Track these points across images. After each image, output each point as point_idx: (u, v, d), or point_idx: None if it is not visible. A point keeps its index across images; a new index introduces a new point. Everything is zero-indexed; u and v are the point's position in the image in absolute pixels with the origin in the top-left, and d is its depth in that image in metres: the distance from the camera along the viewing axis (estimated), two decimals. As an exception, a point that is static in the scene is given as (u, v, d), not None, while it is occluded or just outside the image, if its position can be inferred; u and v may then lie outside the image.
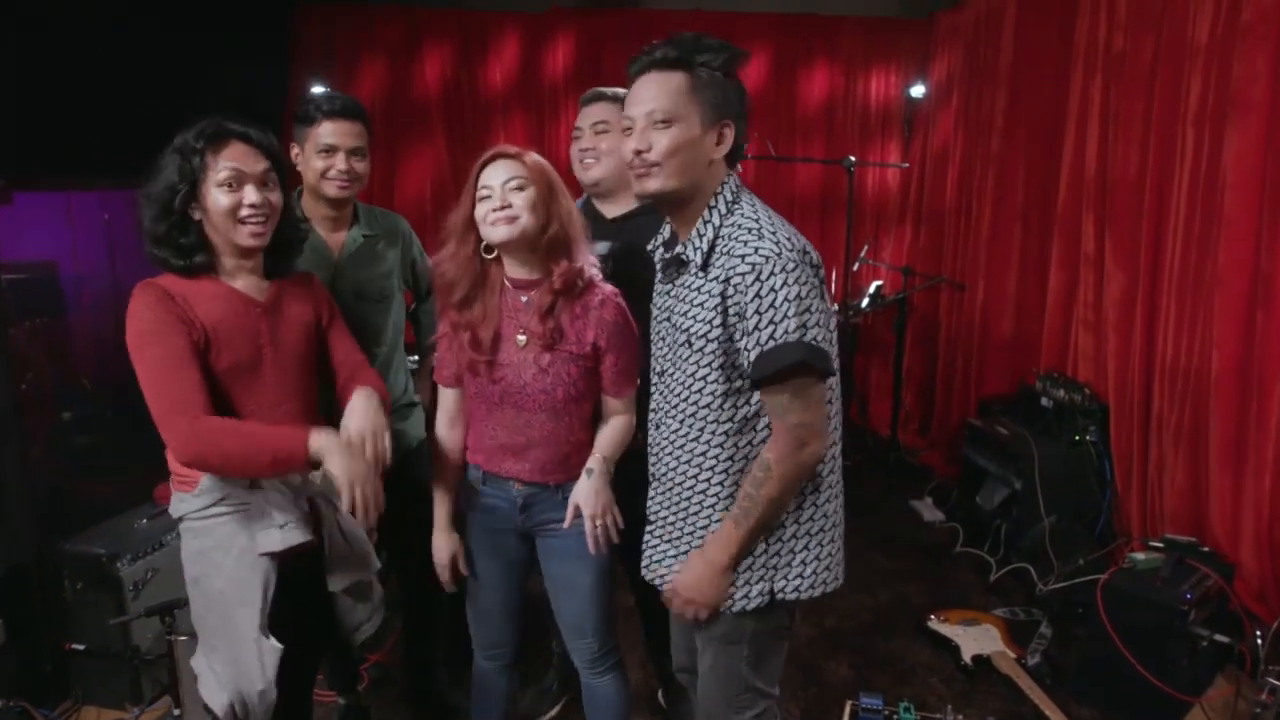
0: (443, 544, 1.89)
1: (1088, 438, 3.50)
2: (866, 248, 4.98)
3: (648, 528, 1.70)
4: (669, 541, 1.65)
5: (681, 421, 1.57)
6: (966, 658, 2.79)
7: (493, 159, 1.72)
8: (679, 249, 1.54)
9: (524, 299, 1.76)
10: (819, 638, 3.00)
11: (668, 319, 1.60)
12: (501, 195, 1.67)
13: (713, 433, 1.53)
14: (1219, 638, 2.45)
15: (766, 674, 1.66)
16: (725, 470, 1.54)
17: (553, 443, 1.79)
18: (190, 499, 1.65)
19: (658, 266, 1.69)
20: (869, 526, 3.93)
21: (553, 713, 2.56)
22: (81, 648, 2.50)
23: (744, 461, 1.54)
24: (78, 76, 3.37)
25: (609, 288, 1.79)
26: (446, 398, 1.89)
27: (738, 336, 1.46)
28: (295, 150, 2.09)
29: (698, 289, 1.50)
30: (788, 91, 5.24)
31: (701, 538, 1.58)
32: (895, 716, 2.42)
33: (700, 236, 1.50)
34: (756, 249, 1.42)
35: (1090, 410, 3.53)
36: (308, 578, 1.78)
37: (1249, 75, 2.79)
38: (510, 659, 2.04)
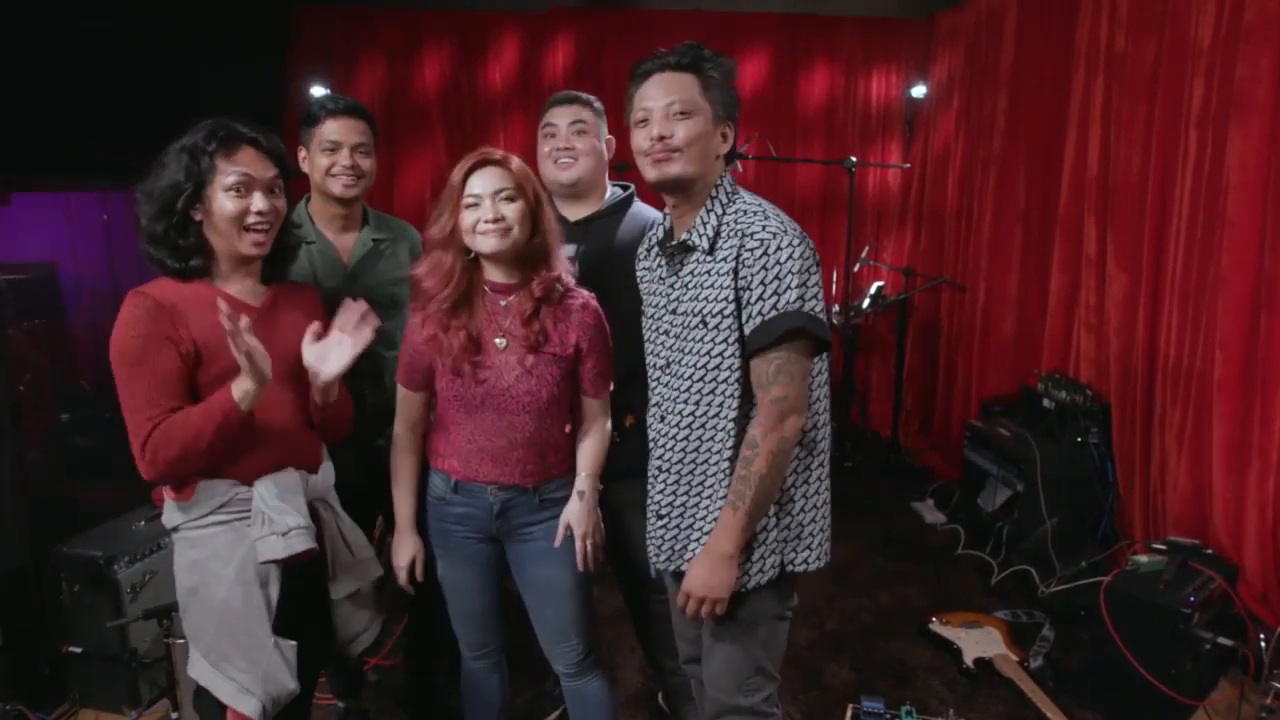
0: (405, 546, 1.89)
1: (1090, 439, 3.49)
2: (867, 248, 4.97)
3: (657, 521, 1.72)
4: (683, 530, 1.68)
5: (697, 404, 1.60)
6: (968, 660, 2.78)
7: (478, 165, 1.71)
8: (684, 236, 1.61)
9: (503, 303, 1.77)
10: (820, 640, 2.99)
11: (671, 310, 1.64)
12: (493, 207, 1.68)
13: (727, 415, 1.58)
14: (1223, 641, 2.44)
15: (774, 657, 1.72)
16: (730, 458, 1.59)
17: (535, 443, 1.80)
18: (185, 508, 1.63)
19: (654, 261, 1.73)
20: (870, 528, 3.92)
21: (554, 715, 2.55)
22: (79, 650, 2.48)
23: None
24: (77, 77, 3.37)
25: (586, 292, 1.84)
26: (408, 402, 1.87)
27: (744, 309, 1.54)
28: (302, 153, 2.10)
29: (707, 271, 1.57)
30: (788, 92, 5.23)
31: (713, 522, 1.62)
32: (897, 720, 2.41)
33: (705, 224, 1.59)
34: (764, 226, 1.53)
35: (1092, 411, 3.52)
36: (307, 583, 1.76)
37: (1252, 76, 2.78)
38: (499, 656, 2.04)
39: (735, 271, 1.52)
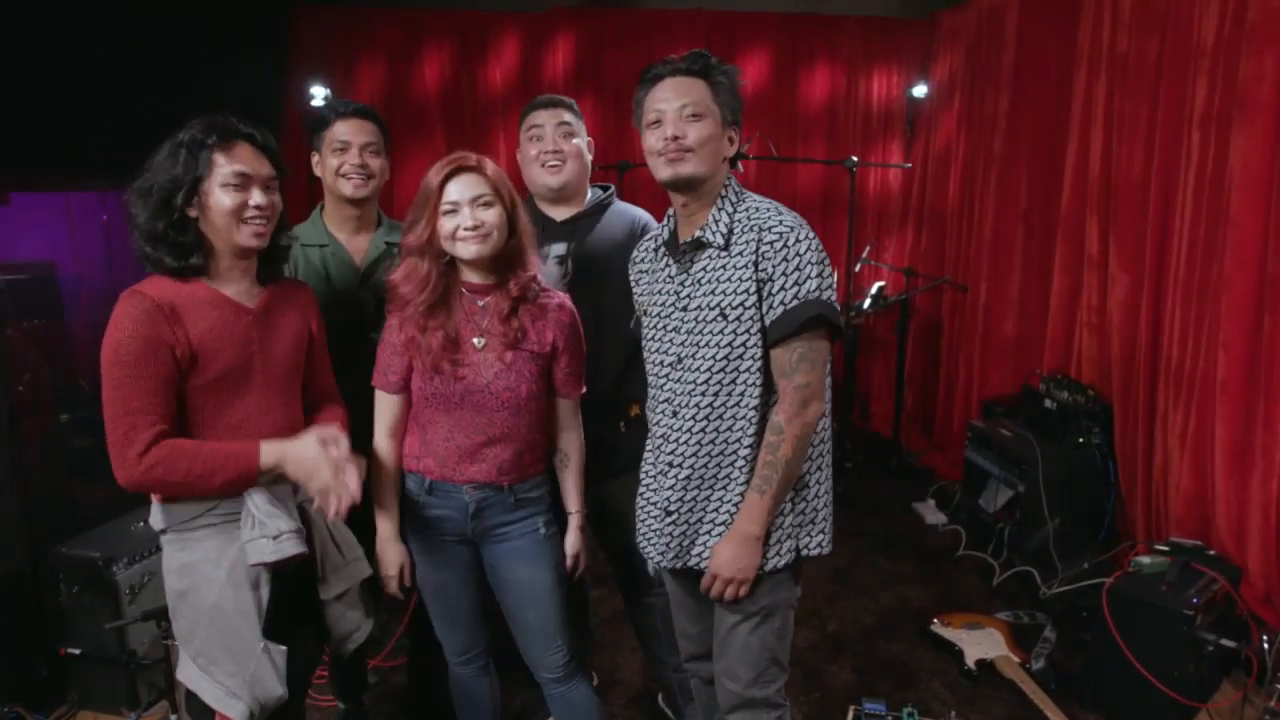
0: (392, 555, 1.89)
1: (1092, 440, 3.48)
2: (868, 248, 4.96)
3: (665, 518, 1.72)
4: (691, 525, 1.70)
5: (715, 395, 1.64)
6: (970, 662, 2.77)
7: (455, 172, 1.72)
8: (698, 233, 1.65)
9: (481, 303, 1.79)
10: (821, 642, 2.98)
11: (682, 306, 1.68)
12: (472, 214, 1.70)
13: (749, 404, 1.63)
14: (1226, 643, 2.43)
15: (785, 648, 1.76)
16: (752, 445, 1.64)
17: (512, 440, 1.82)
18: (175, 511, 1.62)
19: (659, 261, 1.76)
20: (871, 529, 3.91)
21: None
22: (77, 652, 2.48)
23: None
24: (77, 77, 3.36)
25: (560, 293, 1.90)
26: (387, 405, 1.87)
27: (764, 299, 1.60)
28: (315, 158, 2.13)
29: (723, 266, 1.63)
30: (789, 92, 5.22)
31: (729, 513, 1.66)
32: (899, 722, 2.40)
33: (717, 221, 1.64)
34: (780, 220, 1.61)
35: (1094, 412, 3.51)
36: (298, 585, 1.75)
37: (1255, 75, 2.77)
38: (486, 659, 2.03)
39: (755, 264, 1.59)
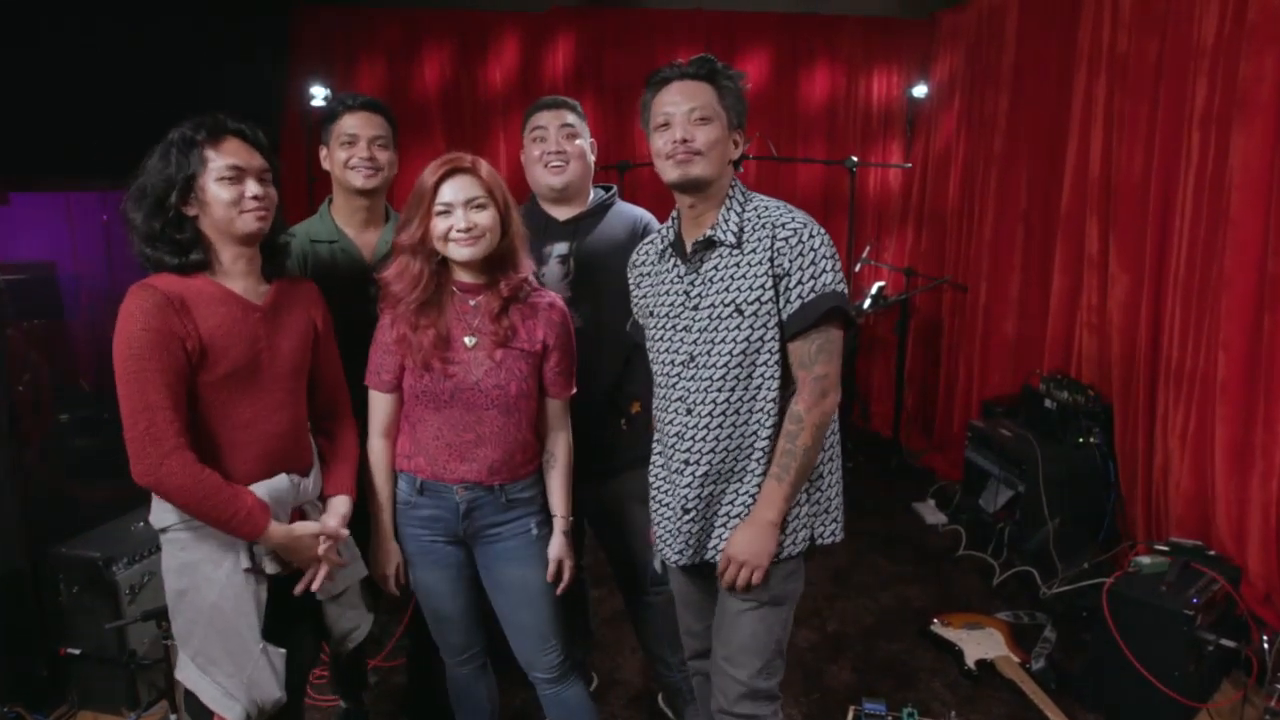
0: (386, 554, 1.89)
1: (1092, 440, 3.48)
2: (868, 248, 4.96)
3: (684, 515, 1.72)
4: (707, 520, 1.72)
5: (732, 390, 1.65)
6: (970, 662, 2.77)
7: (449, 173, 1.73)
8: (709, 233, 1.67)
9: (472, 303, 1.80)
10: (821, 642, 2.98)
11: (693, 306, 1.69)
12: (466, 216, 1.71)
13: (767, 396, 1.65)
14: (1226, 643, 2.43)
15: (786, 641, 1.78)
16: (769, 438, 1.66)
17: (502, 440, 1.82)
18: (176, 510, 1.62)
19: (666, 263, 1.77)
20: (871, 529, 3.91)
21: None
22: (77, 652, 2.48)
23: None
24: (76, 77, 3.36)
25: (551, 293, 1.91)
26: (379, 405, 1.87)
27: (782, 294, 1.63)
28: (323, 152, 2.13)
29: (736, 263, 1.65)
30: (789, 91, 5.22)
31: (745, 505, 1.68)
32: (899, 722, 2.40)
33: (726, 221, 1.67)
34: (792, 218, 1.64)
35: (1094, 412, 3.51)
36: (296, 585, 1.75)
37: (1255, 75, 2.77)
38: (483, 659, 2.03)
39: (771, 260, 1.62)
